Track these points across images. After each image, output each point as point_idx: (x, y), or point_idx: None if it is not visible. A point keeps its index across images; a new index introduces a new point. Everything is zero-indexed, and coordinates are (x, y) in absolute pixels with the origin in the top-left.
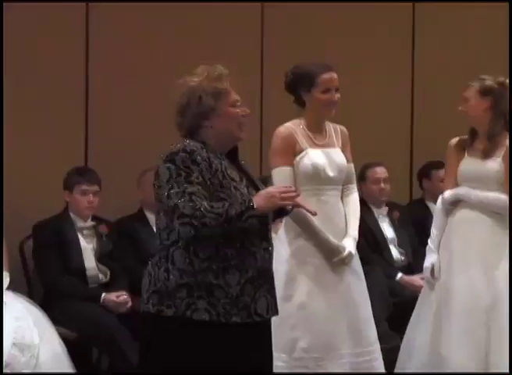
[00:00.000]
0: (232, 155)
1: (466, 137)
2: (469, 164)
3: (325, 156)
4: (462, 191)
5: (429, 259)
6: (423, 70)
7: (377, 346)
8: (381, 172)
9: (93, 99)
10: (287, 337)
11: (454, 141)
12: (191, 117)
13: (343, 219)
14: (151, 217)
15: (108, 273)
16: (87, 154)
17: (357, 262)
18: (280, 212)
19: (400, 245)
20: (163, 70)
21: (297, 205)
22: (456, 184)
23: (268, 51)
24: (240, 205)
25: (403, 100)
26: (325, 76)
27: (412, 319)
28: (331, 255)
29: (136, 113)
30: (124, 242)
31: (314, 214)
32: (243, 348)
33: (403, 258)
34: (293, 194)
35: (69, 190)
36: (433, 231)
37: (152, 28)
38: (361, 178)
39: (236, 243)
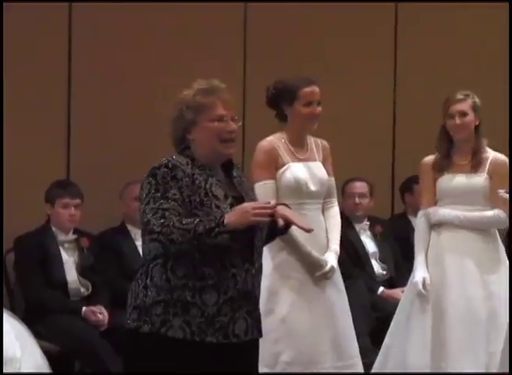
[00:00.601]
0: (228, 170)
1: (437, 155)
2: (452, 180)
3: (307, 170)
4: (450, 214)
5: (420, 273)
6: (405, 81)
7: (358, 360)
8: (357, 187)
9: (75, 111)
10: (270, 352)
11: (429, 159)
12: (176, 130)
13: (324, 233)
14: (134, 230)
15: (90, 286)
16: (69, 167)
17: (338, 276)
18: (274, 231)
19: (381, 259)
20: (147, 78)
21: (290, 222)
22: (435, 201)
23: (250, 52)
24: (209, 221)
25: (384, 114)
26: (307, 89)
27: (390, 332)
28: (313, 270)
29: (119, 126)
30: (106, 255)
31: (309, 231)
32: (218, 368)
33: (384, 272)
34: (268, 210)
35: (51, 203)
36: (418, 246)
37: (135, 31)
38: (342, 193)
39: (214, 262)
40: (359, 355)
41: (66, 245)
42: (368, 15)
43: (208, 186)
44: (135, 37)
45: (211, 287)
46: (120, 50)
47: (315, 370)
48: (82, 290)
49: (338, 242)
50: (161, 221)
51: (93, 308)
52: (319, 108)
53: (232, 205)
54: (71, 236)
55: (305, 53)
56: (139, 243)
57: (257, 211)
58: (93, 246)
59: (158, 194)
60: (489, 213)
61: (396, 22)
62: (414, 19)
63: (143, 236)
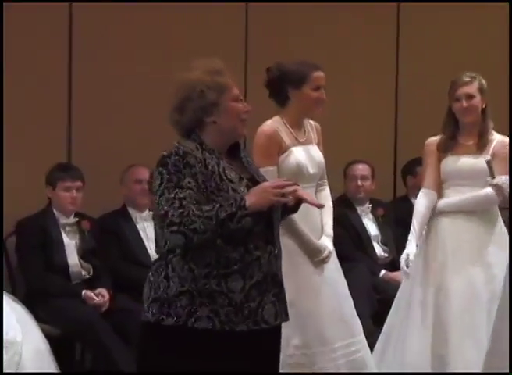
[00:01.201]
0: (233, 152)
1: (443, 136)
2: (457, 162)
3: (306, 153)
4: (445, 205)
5: (406, 250)
6: (408, 68)
7: (363, 336)
8: (359, 169)
9: (76, 95)
10: None
11: (433, 140)
12: (192, 113)
13: (318, 216)
14: (135, 213)
15: (91, 269)
16: (70, 150)
17: (334, 257)
18: (286, 210)
19: (383, 242)
20: (147, 68)
21: (301, 200)
22: (438, 182)
23: (252, 52)
24: (230, 205)
25: (387, 97)
26: (317, 74)
27: (392, 313)
28: (313, 255)
29: (120, 110)
30: (107, 239)
31: (321, 207)
32: (248, 355)
33: (386, 255)
34: (290, 188)
35: (52, 186)
36: (414, 224)
37: (136, 28)
38: (344, 176)
39: (238, 247)
40: (362, 333)
41: (68, 228)
42: (371, 15)
43: (220, 170)
44: (137, 35)
45: (236, 272)
46: (122, 38)
47: (327, 350)
48: (83, 273)
49: (332, 225)
50: (180, 211)
51: (91, 292)
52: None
53: (248, 187)
54: (72, 219)
55: (308, 51)
56: (140, 226)
57: (277, 190)
58: (94, 229)
59: (172, 184)
60: (480, 192)
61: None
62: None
63: (161, 228)
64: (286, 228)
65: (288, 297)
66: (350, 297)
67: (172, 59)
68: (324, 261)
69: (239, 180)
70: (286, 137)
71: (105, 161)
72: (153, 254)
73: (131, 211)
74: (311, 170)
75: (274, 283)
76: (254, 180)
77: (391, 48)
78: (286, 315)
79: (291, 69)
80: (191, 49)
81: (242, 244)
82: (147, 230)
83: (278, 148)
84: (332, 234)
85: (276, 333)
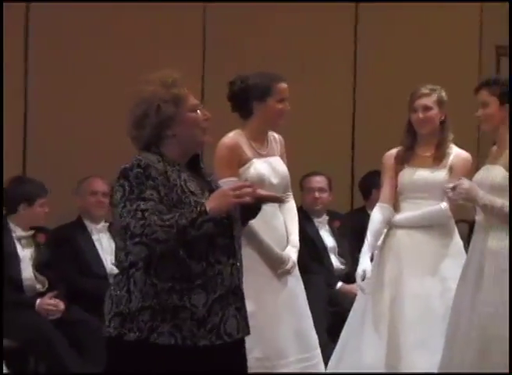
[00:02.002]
0: (194, 164)
1: (401, 148)
2: (414, 174)
3: (268, 166)
4: (409, 219)
5: (361, 266)
6: (365, 81)
7: (318, 351)
8: (316, 181)
9: (32, 107)
10: None
11: (391, 153)
12: (150, 129)
13: (282, 227)
14: (90, 225)
15: (46, 282)
16: (25, 161)
17: (296, 271)
18: (248, 214)
19: (340, 254)
20: (103, 75)
21: (261, 199)
22: (394, 197)
23: (209, 53)
24: (191, 212)
25: (344, 109)
26: (281, 85)
27: (346, 326)
28: (275, 265)
29: (74, 120)
30: (62, 251)
31: (282, 201)
32: (211, 370)
33: (342, 267)
34: (249, 189)
35: (29, 202)
36: (368, 238)
37: (92, 31)
38: (301, 187)
39: (201, 261)
40: (318, 347)
41: (23, 241)
42: (329, 15)
43: (182, 182)
44: (93, 40)
45: (199, 287)
46: (77, 43)
47: (282, 363)
48: (38, 286)
49: (297, 236)
50: (142, 222)
51: (45, 299)
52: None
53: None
54: (29, 232)
55: (266, 53)
56: (95, 237)
57: (237, 192)
58: (48, 241)
59: (134, 196)
60: (431, 208)
61: (357, 22)
62: (374, 18)
63: (123, 240)
64: (247, 239)
65: (248, 308)
66: (308, 311)
67: (129, 70)
68: (288, 272)
69: (201, 191)
70: (247, 150)
71: (60, 173)
72: (109, 266)
73: (86, 223)
74: (274, 181)
75: (236, 297)
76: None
77: (349, 49)
78: (248, 327)
79: (254, 81)
80: (149, 51)
81: (204, 257)
82: (102, 242)
83: (238, 160)
84: (297, 245)
85: (240, 346)
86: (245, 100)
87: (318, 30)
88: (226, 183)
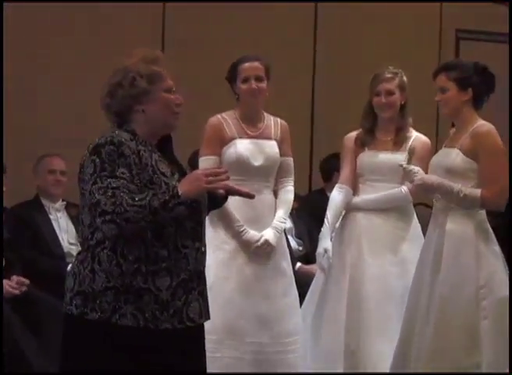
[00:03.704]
0: (164, 146)
1: (361, 130)
2: (373, 157)
3: (254, 146)
4: (359, 202)
5: (322, 245)
6: (324, 60)
7: (295, 339)
8: None
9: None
10: None
11: (351, 135)
12: (121, 99)
13: (264, 207)
14: (48, 204)
15: (3, 261)
16: None
17: (281, 258)
18: (215, 203)
19: (297, 235)
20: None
21: (231, 191)
22: (354, 179)
23: (168, 52)
24: (163, 194)
25: (303, 91)
26: (242, 66)
27: (304, 306)
28: (246, 244)
29: (35, 99)
30: (19, 229)
31: (252, 197)
32: (172, 353)
33: (300, 248)
34: (222, 176)
35: None
36: (328, 218)
37: (63, 24)
38: None
39: (167, 243)
40: (297, 334)
41: None
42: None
43: (153, 162)
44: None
45: (164, 269)
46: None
47: (229, 341)
48: None
49: (282, 220)
50: (113, 200)
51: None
52: (260, 84)
53: (179, 181)
54: None
55: (226, 51)
56: (53, 216)
57: (210, 178)
58: (6, 220)
59: (106, 173)
60: (395, 190)
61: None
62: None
63: (92, 217)
64: (219, 217)
65: (208, 281)
66: (289, 298)
67: (97, 55)
68: (263, 250)
69: (171, 173)
70: (231, 129)
71: (18, 151)
72: (65, 245)
73: (44, 201)
74: (256, 163)
75: (199, 281)
76: (185, 174)
77: (308, 42)
78: (208, 312)
79: (231, 65)
80: (116, 45)
81: (172, 240)
82: (59, 221)
83: (220, 139)
84: (278, 227)
85: (200, 331)
86: (230, 83)
87: (277, 22)
88: (205, 160)
